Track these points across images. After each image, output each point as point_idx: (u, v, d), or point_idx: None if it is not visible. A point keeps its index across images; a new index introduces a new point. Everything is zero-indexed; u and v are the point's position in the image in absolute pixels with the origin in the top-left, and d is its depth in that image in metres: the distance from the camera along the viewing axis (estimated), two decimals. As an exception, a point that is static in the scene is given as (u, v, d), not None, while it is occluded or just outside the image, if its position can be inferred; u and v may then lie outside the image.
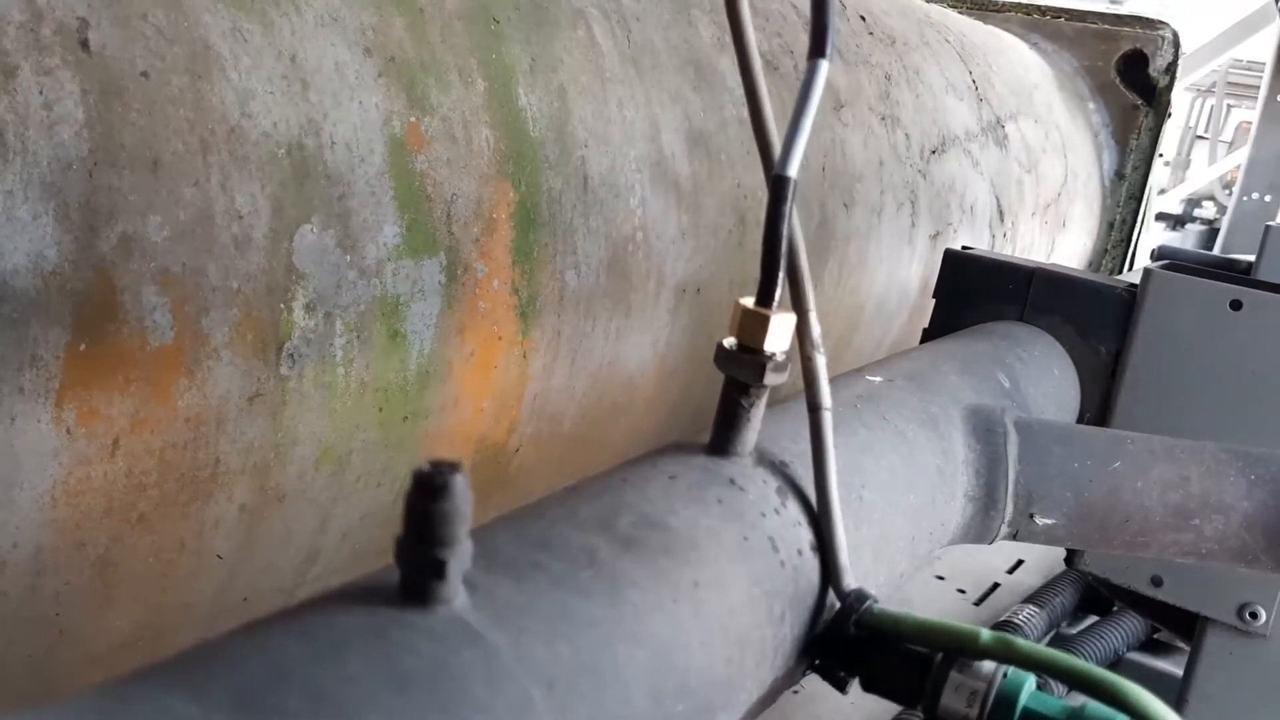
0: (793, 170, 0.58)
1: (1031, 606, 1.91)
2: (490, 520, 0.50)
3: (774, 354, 0.57)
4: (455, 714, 0.36)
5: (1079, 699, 0.54)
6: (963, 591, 2.18)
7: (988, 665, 0.53)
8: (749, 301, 0.57)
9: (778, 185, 0.58)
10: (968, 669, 0.53)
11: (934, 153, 1.91)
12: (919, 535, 0.70)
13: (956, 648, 0.53)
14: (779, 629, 0.54)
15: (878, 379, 0.79)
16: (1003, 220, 2.20)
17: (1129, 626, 1.81)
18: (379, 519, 1.00)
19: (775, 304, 0.57)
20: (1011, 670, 0.53)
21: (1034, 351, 1.03)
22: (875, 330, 1.79)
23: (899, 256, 1.77)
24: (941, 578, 2.22)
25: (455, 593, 0.40)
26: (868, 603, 0.56)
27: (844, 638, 0.56)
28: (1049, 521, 0.80)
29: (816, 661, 0.58)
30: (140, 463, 0.74)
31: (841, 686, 0.57)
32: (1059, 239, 2.59)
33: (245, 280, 0.77)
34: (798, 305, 0.61)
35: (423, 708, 0.36)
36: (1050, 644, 1.92)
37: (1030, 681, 0.53)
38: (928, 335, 1.15)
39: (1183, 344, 1.03)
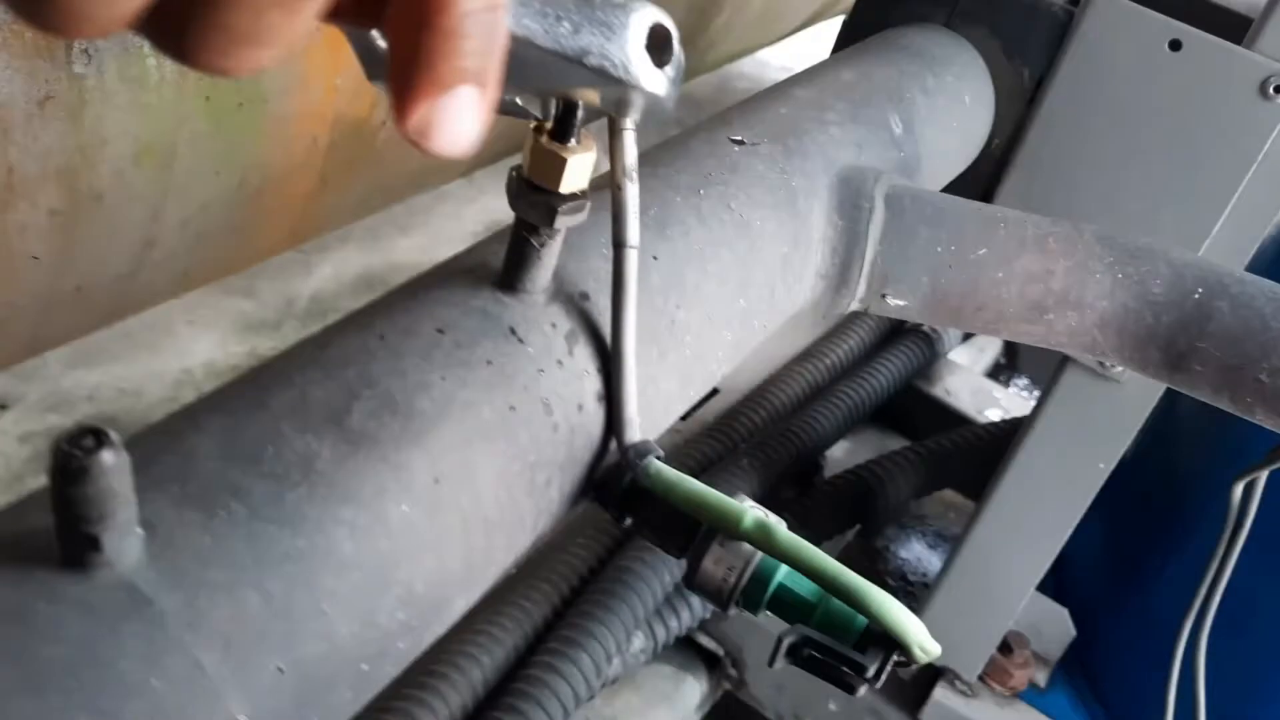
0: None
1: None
2: (210, 394, 0.46)
3: (571, 193, 0.50)
4: (102, 710, 0.35)
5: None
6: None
7: (747, 547, 0.52)
8: (543, 137, 0.50)
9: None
10: (729, 545, 0.53)
11: None
12: (744, 338, 0.67)
13: (719, 525, 0.52)
14: (543, 496, 0.52)
15: (740, 141, 0.72)
16: None
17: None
18: (224, 203, 0.93)
19: (574, 138, 0.50)
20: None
21: (947, 75, 0.93)
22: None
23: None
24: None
25: (121, 552, 0.37)
26: (647, 459, 0.54)
27: (618, 489, 0.55)
28: (901, 303, 0.76)
29: (594, 498, 0.57)
30: (-87, 184, 0.67)
31: (619, 522, 0.57)
32: None
33: (14, -31, 0.65)
34: (612, 124, 0.53)
35: (60, 710, 0.34)
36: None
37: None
38: (845, 30, 1.03)
39: (1110, 78, 0.94)
